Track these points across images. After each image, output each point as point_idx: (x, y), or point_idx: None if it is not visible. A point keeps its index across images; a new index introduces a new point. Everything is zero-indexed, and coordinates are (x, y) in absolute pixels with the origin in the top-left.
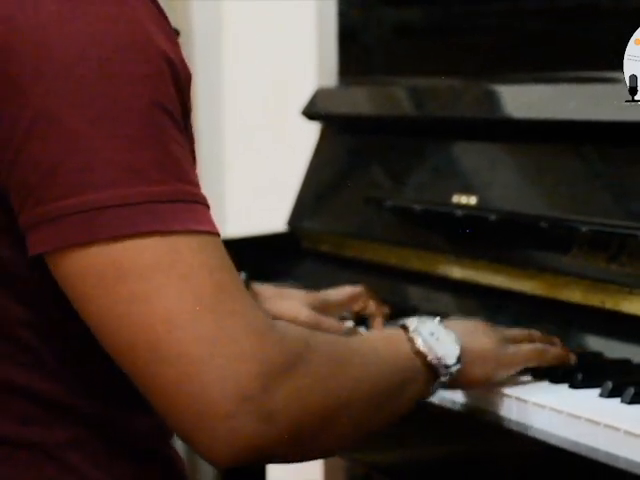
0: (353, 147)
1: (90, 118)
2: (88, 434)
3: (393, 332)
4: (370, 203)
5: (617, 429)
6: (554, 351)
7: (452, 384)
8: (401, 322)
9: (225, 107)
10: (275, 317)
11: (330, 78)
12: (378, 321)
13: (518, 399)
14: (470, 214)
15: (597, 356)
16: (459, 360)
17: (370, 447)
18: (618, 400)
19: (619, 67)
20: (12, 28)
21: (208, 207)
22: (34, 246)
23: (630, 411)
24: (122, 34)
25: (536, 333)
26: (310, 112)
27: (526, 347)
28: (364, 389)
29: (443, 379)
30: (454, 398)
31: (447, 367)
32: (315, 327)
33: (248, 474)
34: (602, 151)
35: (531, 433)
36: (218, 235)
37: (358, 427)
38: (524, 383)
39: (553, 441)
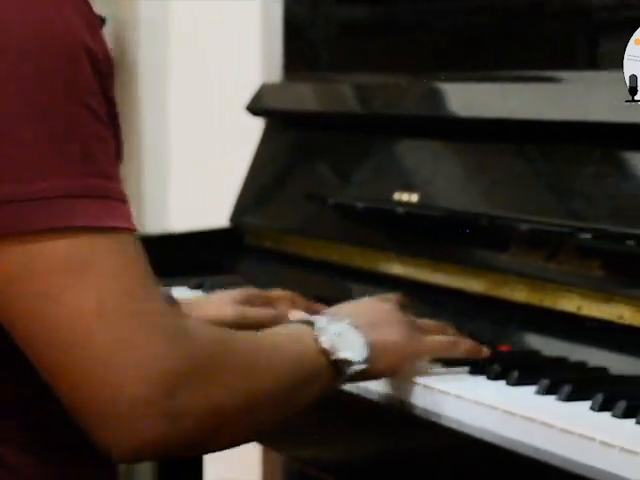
0: (297, 143)
1: (3, 112)
2: (22, 431)
3: (301, 329)
4: (313, 200)
5: (552, 426)
6: (465, 344)
7: (358, 378)
8: (311, 319)
9: (170, 102)
10: (200, 318)
11: (275, 74)
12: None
13: (455, 396)
14: (411, 212)
15: (534, 354)
16: (365, 360)
17: (304, 443)
18: (554, 397)
19: (560, 67)
20: None
21: (125, 203)
22: None
23: (566, 408)
24: (40, 24)
25: (450, 328)
26: (254, 108)
27: (436, 338)
28: (268, 388)
29: (347, 377)
30: (384, 393)
31: (351, 366)
32: (241, 319)
33: (184, 470)
34: (543, 150)
35: (465, 430)
36: (133, 231)
37: (261, 424)
38: (460, 379)
39: (488, 438)
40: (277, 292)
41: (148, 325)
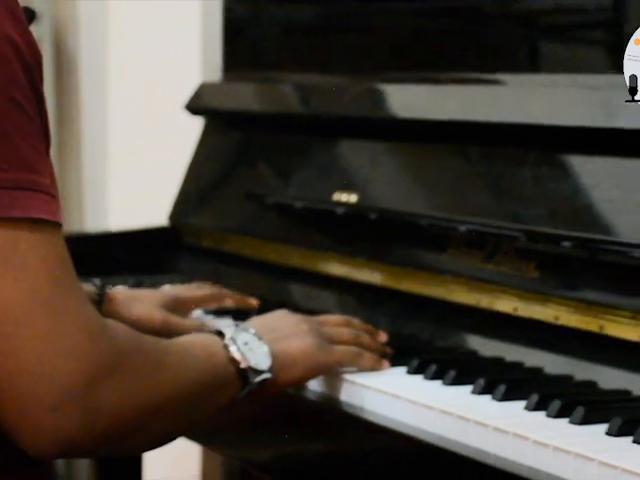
0: (237, 143)
1: None
2: None
3: (211, 338)
4: (252, 199)
5: (487, 425)
6: (368, 357)
7: (265, 389)
8: (218, 329)
9: (109, 101)
10: (128, 320)
11: (215, 73)
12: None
13: (392, 395)
14: (351, 212)
15: (471, 354)
16: (270, 370)
17: (242, 443)
18: (489, 397)
19: (500, 69)
20: None
21: (53, 197)
22: None
23: (501, 408)
24: None
25: (356, 322)
26: (194, 107)
27: (341, 350)
28: (180, 391)
29: (253, 386)
30: (320, 392)
31: (258, 374)
32: (165, 327)
33: (123, 471)
34: (481, 152)
35: (402, 429)
36: (60, 226)
37: (174, 425)
38: (397, 379)
39: (424, 437)
40: (196, 286)
41: (69, 320)
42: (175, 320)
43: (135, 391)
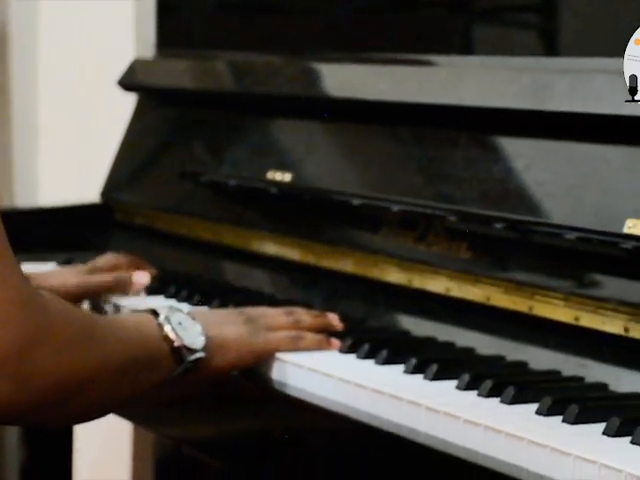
0: (170, 120)
1: None
2: None
3: (145, 316)
4: (186, 177)
5: (419, 405)
6: (309, 339)
7: (198, 372)
8: (152, 308)
9: (40, 75)
10: (44, 287)
11: (148, 49)
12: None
13: (323, 374)
14: (284, 191)
15: (403, 333)
16: (204, 349)
17: (173, 421)
18: (421, 376)
19: (434, 51)
20: None
21: None
22: None
23: (432, 387)
24: None
25: (299, 311)
26: (127, 83)
27: (279, 335)
28: (113, 363)
29: (187, 365)
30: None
31: (191, 353)
32: (84, 286)
33: (54, 450)
34: (414, 133)
35: (331, 406)
36: None
37: (106, 397)
38: (329, 358)
39: (355, 415)
40: (112, 255)
41: (8, 289)
42: (95, 278)
43: (65, 361)
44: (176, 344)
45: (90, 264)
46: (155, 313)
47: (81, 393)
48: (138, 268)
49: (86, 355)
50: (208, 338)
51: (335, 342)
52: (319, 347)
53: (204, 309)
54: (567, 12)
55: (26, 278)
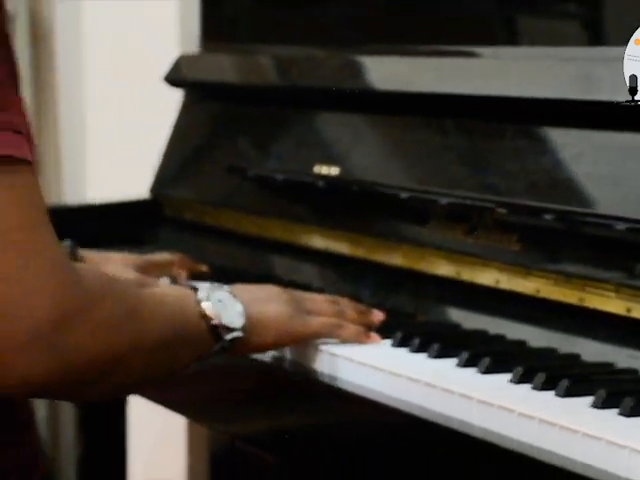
0: (217, 115)
1: None
2: None
3: (185, 292)
4: (233, 172)
5: (471, 398)
6: (349, 329)
7: (236, 349)
8: (194, 284)
9: (86, 74)
10: None
11: (193, 45)
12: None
13: (376, 368)
14: (332, 185)
15: (454, 327)
16: (242, 329)
17: (228, 416)
18: (474, 370)
19: (478, 42)
20: None
21: (23, 135)
22: None
23: (486, 381)
24: None
25: (344, 301)
26: (173, 79)
27: (319, 320)
28: (150, 339)
29: (225, 343)
30: (303, 364)
31: (229, 332)
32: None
33: (108, 437)
34: (461, 125)
35: (383, 400)
36: (30, 164)
37: (142, 373)
38: (382, 352)
39: (407, 409)
40: (168, 254)
41: (38, 261)
42: (151, 281)
43: (102, 336)
44: (214, 322)
45: (144, 259)
46: (195, 289)
47: (117, 369)
48: (189, 267)
49: (123, 331)
50: (248, 317)
51: (375, 336)
52: (357, 339)
53: (248, 286)
54: (610, 1)
55: (64, 251)
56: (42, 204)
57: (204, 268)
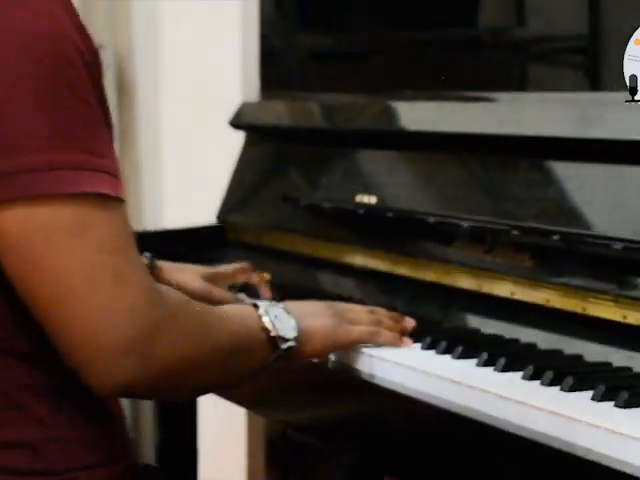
0: (273, 153)
1: (14, 96)
2: (45, 383)
3: (247, 309)
4: (287, 201)
5: (489, 393)
6: (385, 335)
7: (290, 357)
8: (255, 302)
9: (163, 117)
10: (175, 287)
11: (253, 93)
12: (265, 289)
13: (409, 367)
14: (371, 211)
15: (475, 332)
16: (295, 339)
17: (283, 408)
18: (492, 369)
19: (495, 89)
20: None
21: (116, 177)
22: None
23: (501, 378)
24: (43, 28)
25: (381, 311)
26: (236, 123)
27: (359, 329)
28: (221, 349)
29: (281, 352)
30: (349, 365)
31: (285, 342)
32: (207, 295)
33: (180, 420)
34: (480, 159)
35: (416, 395)
36: (122, 202)
37: (214, 377)
38: (413, 353)
39: (435, 402)
40: (235, 264)
41: (129, 284)
42: (217, 291)
43: (182, 347)
44: (272, 334)
45: (211, 270)
46: (256, 306)
47: (194, 373)
48: (249, 274)
49: (200, 342)
50: (299, 330)
51: (407, 340)
52: (393, 343)
53: (299, 302)
54: (609, 53)
55: (149, 275)
56: (131, 233)
57: (267, 275)
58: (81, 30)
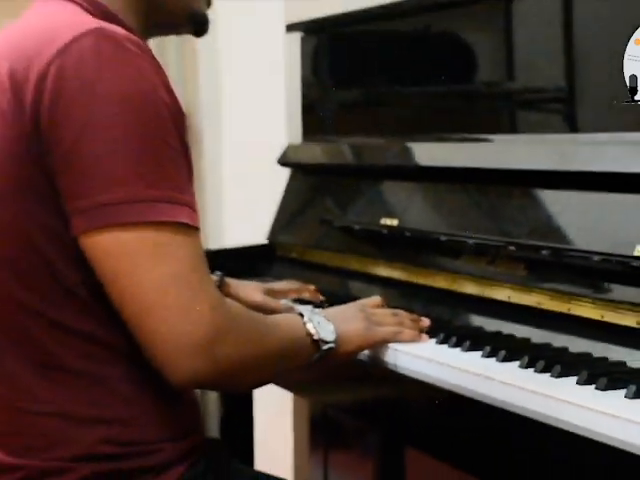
0: (312, 185)
1: (114, 148)
2: (134, 370)
3: (295, 317)
4: (324, 223)
5: (493, 379)
6: (407, 333)
7: (330, 356)
8: (300, 312)
9: (224, 160)
10: (237, 300)
11: (297, 137)
12: (315, 298)
13: (427, 359)
14: (392, 232)
15: (479, 329)
16: (334, 341)
17: (324, 391)
18: (494, 359)
19: (489, 131)
20: (62, 77)
21: (194, 210)
22: (73, 229)
23: (501, 367)
24: (137, 90)
25: (402, 313)
26: (283, 161)
27: (385, 329)
28: (274, 351)
29: (322, 352)
30: (379, 358)
31: (325, 344)
32: (264, 306)
33: (241, 408)
34: (481, 188)
35: (432, 381)
36: (198, 230)
37: (267, 374)
38: (427, 347)
39: (446, 387)
40: (288, 282)
41: (201, 296)
42: (274, 303)
43: (242, 350)
44: (315, 337)
45: (270, 286)
46: (302, 315)
47: (252, 370)
48: (300, 291)
49: (257, 345)
50: (337, 333)
51: (425, 337)
52: (413, 340)
53: (336, 309)
54: (583, 101)
55: (217, 289)
56: (204, 257)
57: (312, 287)
58: (169, 90)
